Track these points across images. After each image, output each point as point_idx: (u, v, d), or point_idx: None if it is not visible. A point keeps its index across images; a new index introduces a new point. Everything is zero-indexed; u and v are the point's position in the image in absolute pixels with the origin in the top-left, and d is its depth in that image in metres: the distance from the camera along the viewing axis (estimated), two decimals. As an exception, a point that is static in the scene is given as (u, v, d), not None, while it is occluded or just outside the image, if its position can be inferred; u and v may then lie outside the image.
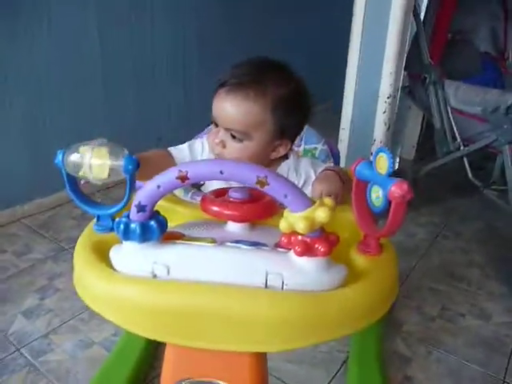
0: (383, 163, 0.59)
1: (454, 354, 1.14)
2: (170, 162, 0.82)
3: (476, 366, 1.11)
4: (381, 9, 1.46)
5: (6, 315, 1.21)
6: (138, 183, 0.66)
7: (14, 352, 1.10)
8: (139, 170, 0.74)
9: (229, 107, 0.76)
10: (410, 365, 1.10)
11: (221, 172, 0.52)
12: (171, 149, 0.85)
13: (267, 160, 0.82)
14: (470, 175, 1.62)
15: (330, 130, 1.66)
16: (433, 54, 1.63)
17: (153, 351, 1.05)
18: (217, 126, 0.79)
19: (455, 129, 1.61)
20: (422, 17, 1.68)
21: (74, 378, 1.03)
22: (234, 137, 0.77)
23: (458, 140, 1.62)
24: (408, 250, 1.57)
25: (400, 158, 2.36)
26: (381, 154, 0.60)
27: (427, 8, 1.70)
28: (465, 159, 1.62)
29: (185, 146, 0.86)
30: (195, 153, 0.84)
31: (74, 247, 0.63)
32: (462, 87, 1.56)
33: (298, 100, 0.79)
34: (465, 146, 1.61)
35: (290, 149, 0.83)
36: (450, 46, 1.77)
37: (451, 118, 1.61)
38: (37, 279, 1.36)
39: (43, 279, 1.36)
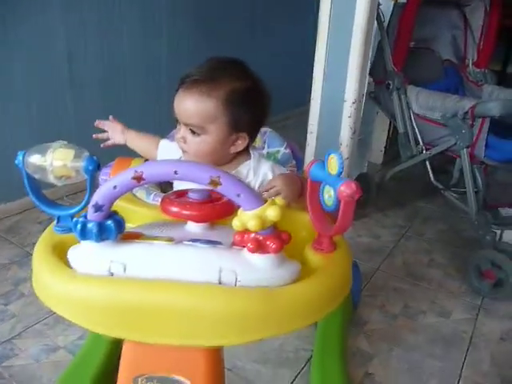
0: (334, 164, 0.63)
1: (415, 351, 1.19)
2: (153, 152, 0.97)
3: (435, 362, 1.15)
4: (345, 16, 1.50)
5: (-31, 321, 1.19)
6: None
7: (-24, 358, 1.08)
8: (132, 141, 1.01)
9: (185, 103, 0.81)
10: (372, 361, 1.14)
11: (175, 172, 0.54)
12: (162, 141, 0.97)
13: (228, 155, 0.86)
14: (432, 178, 1.68)
15: (305, 133, 1.71)
16: (396, 61, 1.69)
17: (119, 353, 1.05)
18: (179, 124, 0.83)
19: (418, 133, 1.67)
20: (385, 25, 1.73)
21: (38, 382, 1.02)
22: (193, 132, 0.82)
23: (421, 144, 1.67)
24: (373, 251, 1.62)
25: (368, 162, 2.42)
26: (332, 155, 0.63)
27: (391, 16, 1.75)
28: (427, 163, 1.68)
29: (171, 142, 0.95)
30: (172, 150, 0.90)
31: (38, 251, 0.64)
32: (424, 93, 1.61)
33: (252, 95, 0.83)
34: (427, 150, 1.67)
35: (249, 144, 0.86)
36: (414, 54, 1.83)
37: (414, 123, 1.67)
38: (1, 284, 1.34)
39: (8, 284, 1.34)
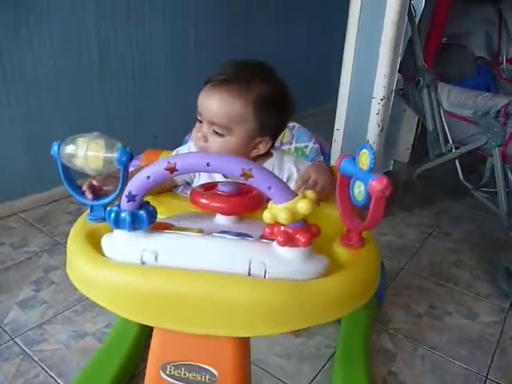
0: (365, 159, 0.62)
1: (439, 351, 1.17)
2: None
3: (460, 363, 1.13)
4: (375, 12, 1.48)
5: (2, 305, 1.23)
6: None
7: (9, 341, 1.12)
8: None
9: (213, 102, 0.79)
10: (396, 360, 1.13)
11: (208, 164, 0.55)
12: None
13: (248, 157, 0.84)
14: (461, 177, 1.65)
15: (331, 129, 1.70)
16: (427, 57, 1.66)
17: (144, 343, 1.07)
18: (200, 122, 0.82)
19: (447, 131, 1.64)
20: (417, 20, 1.70)
21: (67, 367, 1.05)
22: (216, 132, 0.80)
23: (450, 142, 1.64)
24: (398, 250, 1.60)
25: (394, 161, 2.39)
26: (363, 150, 0.63)
27: (422, 12, 1.72)
28: (456, 161, 1.65)
29: (173, 153, 0.91)
30: None
31: (68, 240, 0.66)
32: (455, 90, 1.58)
33: (280, 100, 0.82)
34: (456, 148, 1.63)
35: (271, 147, 0.86)
36: (445, 50, 1.79)
37: (444, 121, 1.64)
38: (33, 271, 1.38)
39: (39, 271, 1.38)
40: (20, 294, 1.28)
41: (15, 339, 1.12)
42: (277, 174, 0.84)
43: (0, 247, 1.49)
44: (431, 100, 1.65)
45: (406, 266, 1.52)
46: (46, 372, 1.04)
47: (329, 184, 0.77)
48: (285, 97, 0.84)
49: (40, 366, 1.05)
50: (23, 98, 1.62)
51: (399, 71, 1.75)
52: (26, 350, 1.09)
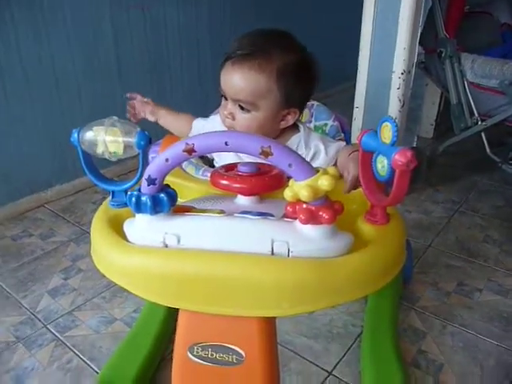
0: (387, 133, 0.60)
1: (470, 329, 1.14)
2: (186, 132, 0.97)
3: (492, 340, 1.11)
4: (393, -17, 1.43)
5: (34, 294, 1.27)
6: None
7: (42, 328, 1.15)
8: (164, 119, 1.01)
9: (235, 78, 0.77)
10: (425, 339, 1.11)
11: (226, 143, 0.54)
12: (195, 120, 0.97)
13: (277, 130, 0.83)
14: (488, 151, 1.60)
15: (346, 110, 1.66)
16: (449, 27, 1.60)
17: (172, 326, 1.08)
18: (226, 99, 0.81)
19: (472, 103, 1.58)
20: (437, -10, 1.64)
21: (98, 352, 1.08)
22: (242, 108, 0.79)
23: (476, 115, 1.59)
24: (425, 227, 1.57)
25: (418, 137, 2.33)
26: (385, 123, 0.61)
27: (443, -20, 1.65)
28: (483, 134, 1.59)
29: (205, 121, 0.95)
30: (206, 130, 0.87)
31: (94, 229, 0.66)
32: (479, 60, 1.52)
33: (303, 68, 0.80)
34: (482, 121, 1.58)
35: (299, 119, 0.84)
36: (468, 19, 1.72)
37: (468, 93, 1.58)
38: (61, 260, 1.41)
39: (67, 260, 1.41)
40: (50, 282, 1.32)
41: (47, 326, 1.16)
42: (303, 150, 0.85)
43: (29, 238, 1.53)
44: (454, 71, 1.59)
45: (432, 243, 1.49)
46: (79, 357, 1.06)
47: None
48: (307, 63, 0.81)
49: (72, 351, 1.08)
50: (45, 94, 1.64)
51: (420, 43, 1.69)
52: (59, 336, 1.12)
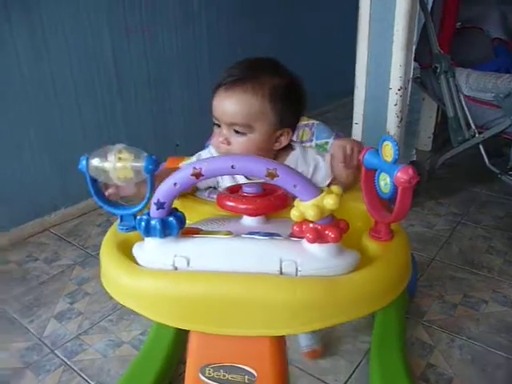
0: (389, 151, 0.62)
1: (478, 341, 1.14)
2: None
3: (501, 352, 1.11)
4: (387, 2, 1.47)
5: (40, 319, 1.27)
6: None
7: (49, 353, 1.15)
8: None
9: (230, 103, 0.80)
10: (433, 353, 1.11)
11: (232, 166, 0.55)
12: (181, 164, 0.91)
13: (272, 152, 0.85)
14: (487, 162, 1.61)
15: (345, 125, 1.69)
16: (442, 43, 1.63)
17: (180, 348, 1.08)
18: (219, 126, 0.83)
19: (469, 116, 1.61)
20: (429, 7, 1.68)
21: (107, 375, 1.07)
22: (237, 132, 0.81)
23: (473, 127, 1.61)
24: (427, 241, 1.58)
25: (416, 150, 2.36)
26: (386, 142, 0.62)
27: (434, -2, 1.70)
28: (481, 146, 1.61)
29: (193, 158, 0.92)
30: None
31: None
32: (474, 74, 1.55)
33: (292, 90, 0.83)
34: (480, 133, 1.60)
35: (291, 139, 0.86)
36: (461, 35, 1.76)
37: (464, 106, 1.61)
38: (67, 284, 1.42)
39: (72, 284, 1.42)
40: (56, 307, 1.32)
41: (55, 351, 1.16)
42: (303, 167, 0.86)
43: (34, 263, 1.53)
44: (450, 86, 1.62)
45: (436, 256, 1.49)
46: (87, 381, 1.06)
47: (359, 148, 0.77)
48: (296, 85, 0.85)
49: (80, 375, 1.08)
50: (44, 117, 1.66)
51: (415, 59, 1.73)
52: (66, 361, 1.12)
